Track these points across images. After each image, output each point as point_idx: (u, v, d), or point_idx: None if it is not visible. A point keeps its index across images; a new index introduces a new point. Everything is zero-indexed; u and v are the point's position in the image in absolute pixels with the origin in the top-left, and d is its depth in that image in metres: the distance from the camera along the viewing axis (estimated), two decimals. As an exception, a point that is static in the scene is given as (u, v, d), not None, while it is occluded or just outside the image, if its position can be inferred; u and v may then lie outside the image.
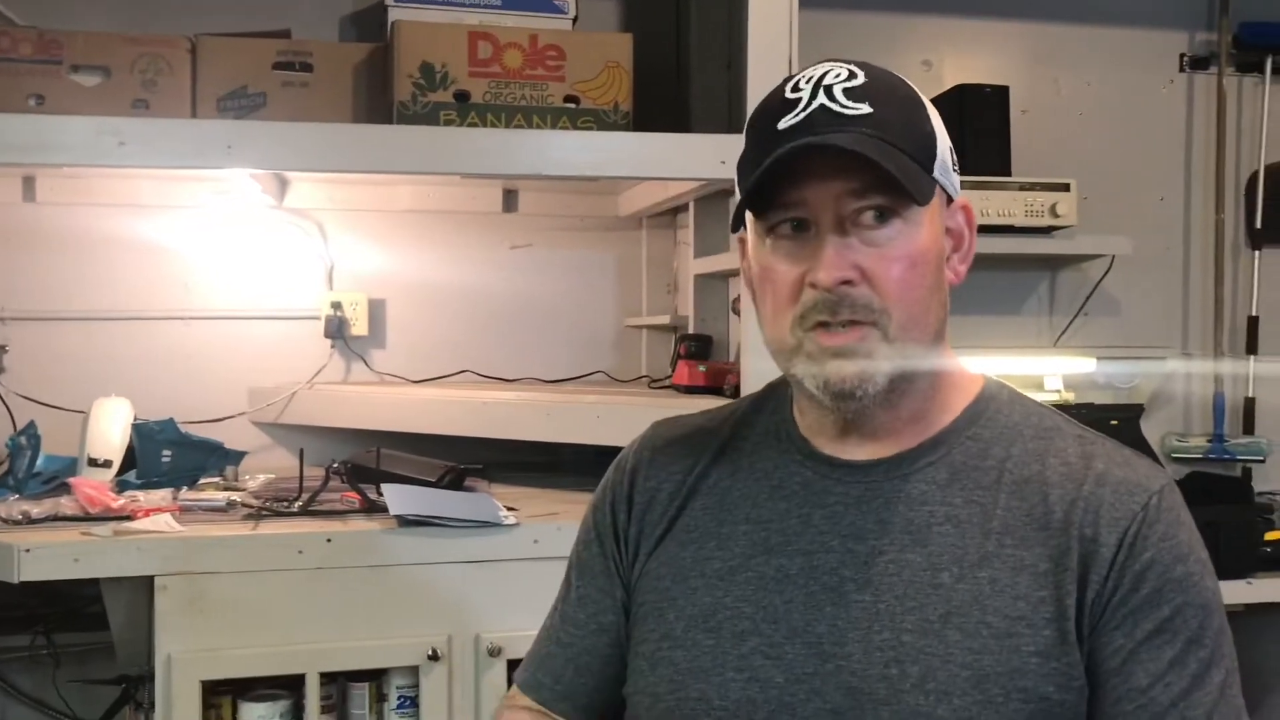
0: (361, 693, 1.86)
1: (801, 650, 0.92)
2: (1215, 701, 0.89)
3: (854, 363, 0.90)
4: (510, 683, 1.83)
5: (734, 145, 0.98)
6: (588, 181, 2.44)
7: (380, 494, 1.88)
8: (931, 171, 0.92)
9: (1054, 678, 0.88)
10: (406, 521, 1.82)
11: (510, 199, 2.60)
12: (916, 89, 0.96)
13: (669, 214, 2.67)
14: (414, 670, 1.81)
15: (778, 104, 0.93)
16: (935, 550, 0.92)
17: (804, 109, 0.91)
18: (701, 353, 2.30)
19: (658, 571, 1.01)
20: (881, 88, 0.92)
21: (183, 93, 2.05)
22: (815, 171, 0.89)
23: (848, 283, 0.89)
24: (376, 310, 2.56)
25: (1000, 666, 0.88)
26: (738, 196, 0.95)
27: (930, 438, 0.97)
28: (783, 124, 0.91)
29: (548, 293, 2.66)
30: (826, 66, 0.94)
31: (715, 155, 1.90)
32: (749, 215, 0.95)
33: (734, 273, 2.21)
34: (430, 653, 1.79)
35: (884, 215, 0.90)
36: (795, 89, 0.92)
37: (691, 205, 2.45)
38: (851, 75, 0.92)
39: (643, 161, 1.96)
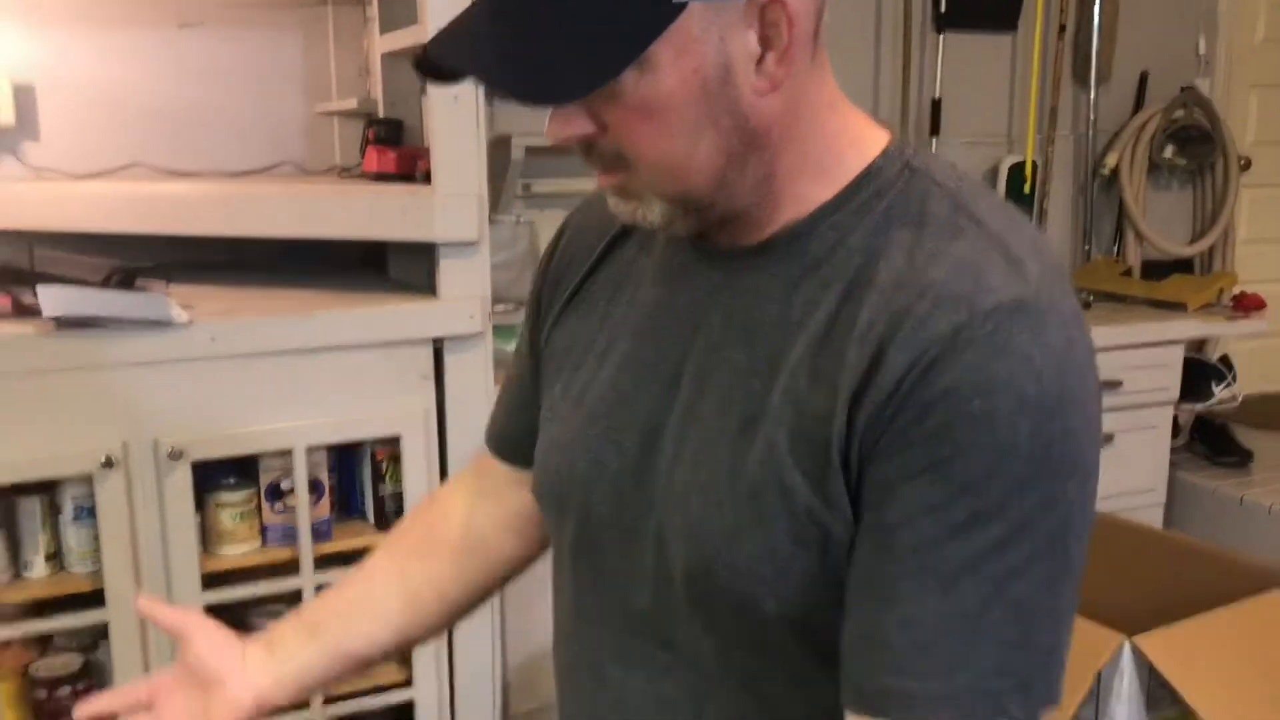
0: (32, 506, 1.76)
1: (635, 439, 0.87)
2: (977, 561, 0.70)
3: (627, 202, 0.80)
4: (194, 487, 1.79)
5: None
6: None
7: (35, 296, 1.73)
8: None
9: (820, 501, 0.76)
10: (65, 324, 1.69)
11: (175, -30, 2.36)
12: None
13: (357, -11, 2.49)
14: (88, 479, 1.72)
15: None
16: (757, 352, 0.81)
17: None
18: (392, 138, 2.20)
19: (555, 343, 0.98)
20: None
21: None
22: None
23: (586, 136, 0.76)
24: (24, 97, 2.28)
25: (775, 483, 0.77)
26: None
27: (794, 223, 0.82)
28: None
29: (227, 77, 2.44)
30: None
31: (390, -81, 1.76)
32: None
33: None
34: (104, 460, 1.70)
35: None
36: None
37: (376, -23, 2.29)
38: None
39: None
